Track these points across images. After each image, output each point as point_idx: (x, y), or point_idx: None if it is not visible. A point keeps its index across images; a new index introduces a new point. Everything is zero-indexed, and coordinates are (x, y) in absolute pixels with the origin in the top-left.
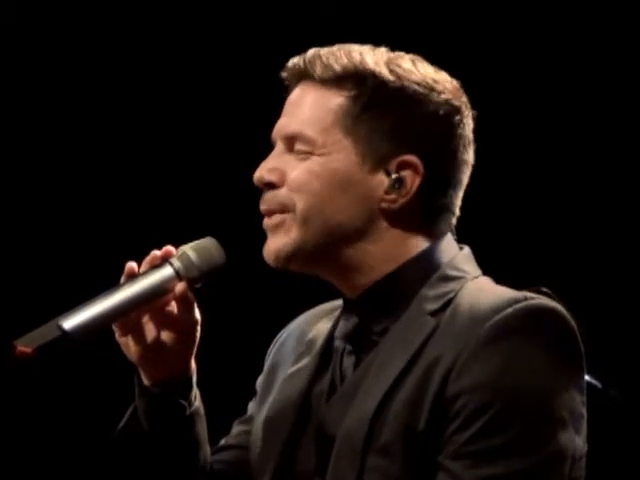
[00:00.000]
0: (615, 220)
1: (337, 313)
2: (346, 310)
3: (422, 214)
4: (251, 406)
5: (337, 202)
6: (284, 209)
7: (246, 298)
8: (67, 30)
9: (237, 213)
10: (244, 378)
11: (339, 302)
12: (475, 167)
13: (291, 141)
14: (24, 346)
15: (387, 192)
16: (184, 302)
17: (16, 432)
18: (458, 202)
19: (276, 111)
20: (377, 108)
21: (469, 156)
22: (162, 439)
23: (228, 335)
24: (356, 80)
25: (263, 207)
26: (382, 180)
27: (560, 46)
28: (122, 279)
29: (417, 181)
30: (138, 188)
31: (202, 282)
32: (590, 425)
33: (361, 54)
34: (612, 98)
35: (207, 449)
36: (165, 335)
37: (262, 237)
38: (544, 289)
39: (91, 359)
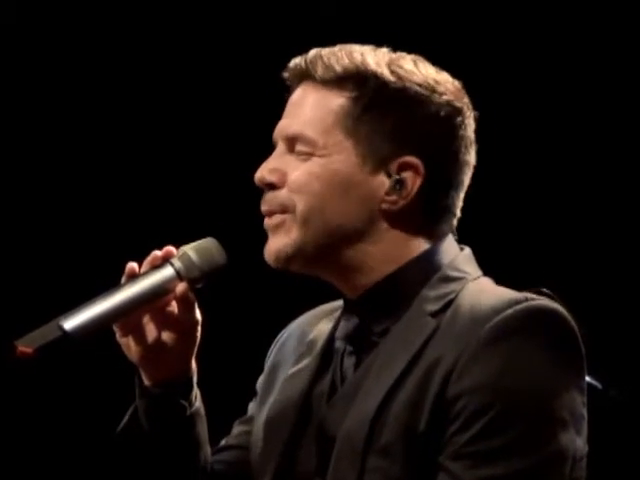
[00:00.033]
0: (615, 221)
1: (338, 314)
2: (347, 311)
3: (423, 215)
4: (251, 406)
5: (337, 203)
6: (284, 210)
7: (247, 298)
8: (67, 30)
9: (238, 213)
10: (244, 378)
11: (339, 303)
12: (476, 168)
13: (292, 142)
14: (25, 346)
15: (388, 193)
16: (185, 302)
17: (16, 432)
18: (459, 203)
19: (277, 111)
20: (378, 109)
21: (471, 157)
22: (162, 439)
23: (229, 335)
24: (357, 81)
25: (264, 208)
26: (383, 181)
27: (561, 47)
28: (123, 279)
29: (418, 182)
30: (139, 188)
31: (203, 282)
32: (590, 426)
33: (362, 55)
34: (613, 99)
35: (207, 449)
36: (166, 335)
37: (263, 237)
38: (545, 290)
39: (91, 359)
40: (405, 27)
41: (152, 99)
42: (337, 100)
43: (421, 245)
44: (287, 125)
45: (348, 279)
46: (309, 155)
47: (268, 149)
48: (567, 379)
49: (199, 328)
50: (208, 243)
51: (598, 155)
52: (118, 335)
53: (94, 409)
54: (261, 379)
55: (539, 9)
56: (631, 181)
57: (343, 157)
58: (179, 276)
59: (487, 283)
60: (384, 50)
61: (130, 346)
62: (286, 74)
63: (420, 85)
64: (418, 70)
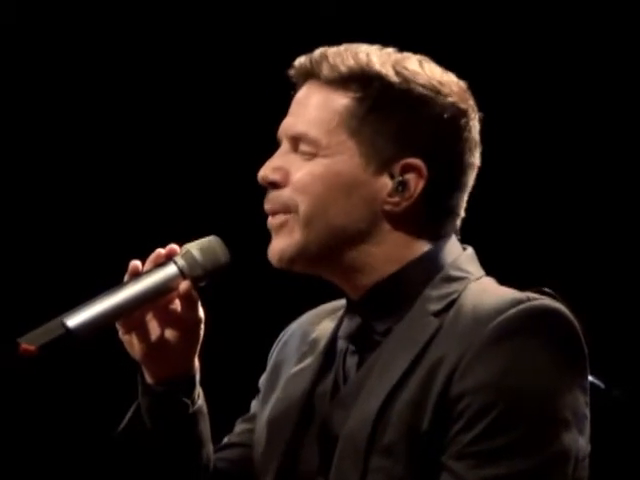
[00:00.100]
0: (617, 221)
1: (340, 313)
2: (349, 310)
3: (426, 216)
4: (254, 404)
5: (340, 204)
6: (287, 209)
7: (249, 297)
8: (67, 30)
9: (241, 212)
10: (247, 376)
11: (342, 302)
12: (479, 168)
13: (296, 141)
14: (28, 344)
15: (390, 195)
16: (188, 300)
17: (18, 430)
18: (463, 204)
19: (278, 110)
20: (382, 110)
21: (475, 159)
22: (165, 437)
23: (231, 334)
24: (362, 82)
25: (267, 206)
26: (386, 183)
27: (564, 49)
28: (126, 277)
29: (421, 184)
30: (143, 186)
31: (206, 281)
32: (593, 425)
33: (368, 55)
34: (615, 101)
35: (210, 447)
36: (169, 333)
37: (266, 236)
38: (547, 290)
39: (94, 357)
40: (405, 27)
41: (154, 98)
42: (341, 100)
43: (424, 245)
44: (291, 124)
45: (351, 279)
46: (313, 155)
47: (271, 148)
48: (570, 379)
49: (202, 326)
50: (211, 241)
51: (600, 155)
52: (121, 333)
53: (96, 407)
54: (264, 377)
55: (543, 9)
56: (632, 181)
57: (346, 158)
58: (182, 274)
59: (489, 283)
60: (390, 50)
61: (133, 344)
62: (292, 72)
63: (425, 86)
64: (423, 71)
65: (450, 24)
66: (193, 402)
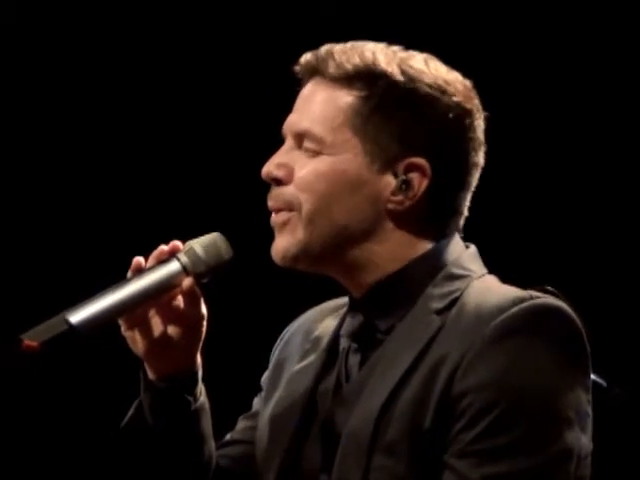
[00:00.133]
0: (618, 220)
1: (343, 311)
2: (352, 308)
3: (429, 215)
4: (256, 402)
5: (344, 203)
6: (290, 207)
7: (252, 294)
8: (67, 30)
9: (244, 208)
10: (249, 374)
11: (345, 299)
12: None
13: (300, 138)
14: (30, 340)
15: (394, 193)
16: (191, 297)
17: (21, 426)
18: (466, 203)
19: (280, 108)
20: (387, 109)
21: (479, 158)
22: (167, 434)
23: (234, 331)
24: (367, 80)
25: (270, 203)
26: (389, 181)
27: (566, 49)
28: (129, 274)
29: (424, 184)
30: (146, 183)
31: (209, 277)
32: (595, 423)
33: (374, 53)
34: (617, 100)
35: (212, 444)
36: (171, 329)
37: (269, 233)
38: (549, 288)
39: (97, 353)
40: (405, 27)
41: (156, 97)
42: (346, 98)
43: (427, 244)
44: (296, 121)
45: (354, 277)
46: (317, 152)
47: (273, 145)
48: (572, 377)
49: (205, 323)
50: (214, 238)
51: (601, 155)
52: (123, 329)
53: (99, 403)
54: (266, 375)
55: (548, 7)
56: (633, 181)
57: (351, 156)
58: (185, 271)
59: (492, 281)
60: (396, 48)
61: (136, 340)
62: (297, 68)
63: (430, 86)
64: (429, 70)
65: (451, 23)
66: (195, 399)
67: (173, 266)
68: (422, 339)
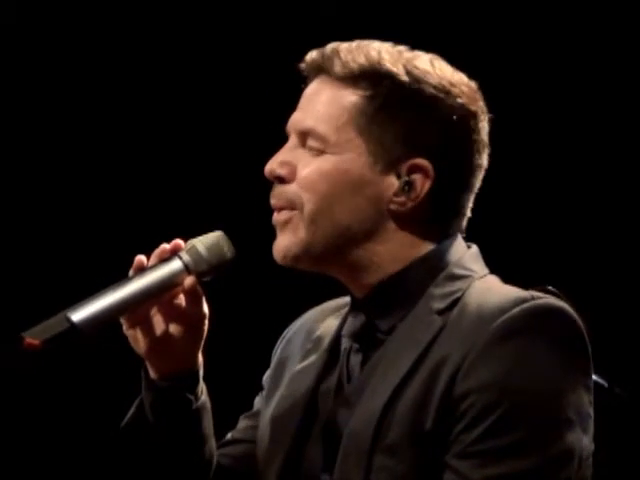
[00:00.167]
0: (619, 221)
1: (345, 310)
2: (354, 308)
3: (431, 217)
4: (257, 401)
5: (346, 203)
6: (293, 206)
7: (254, 293)
8: (67, 30)
9: (247, 207)
10: (250, 373)
11: (347, 299)
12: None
13: (304, 136)
14: (32, 338)
15: (396, 194)
16: (193, 296)
17: (22, 424)
18: (469, 205)
19: (281, 107)
20: (391, 109)
21: (482, 160)
22: (168, 433)
23: (235, 330)
24: (372, 80)
25: (272, 201)
26: (392, 182)
27: (568, 52)
28: (131, 272)
29: (427, 185)
30: (148, 181)
31: (211, 276)
32: (596, 423)
33: (379, 53)
34: (619, 102)
35: (213, 443)
36: (173, 328)
37: (271, 232)
38: (551, 288)
39: (98, 352)
40: (405, 27)
41: (157, 96)
42: (351, 98)
43: (429, 245)
44: (300, 119)
45: (355, 277)
46: (320, 151)
47: (275, 144)
48: (574, 378)
49: (206, 322)
50: (217, 237)
51: (603, 155)
52: (125, 327)
53: (100, 402)
54: (267, 374)
55: (552, 10)
56: (634, 182)
57: (354, 156)
58: (187, 269)
59: (494, 281)
60: (402, 48)
61: (137, 338)
62: (303, 66)
63: (435, 87)
64: (434, 71)
65: (452, 23)
66: (197, 398)
67: (175, 265)
68: (423, 339)
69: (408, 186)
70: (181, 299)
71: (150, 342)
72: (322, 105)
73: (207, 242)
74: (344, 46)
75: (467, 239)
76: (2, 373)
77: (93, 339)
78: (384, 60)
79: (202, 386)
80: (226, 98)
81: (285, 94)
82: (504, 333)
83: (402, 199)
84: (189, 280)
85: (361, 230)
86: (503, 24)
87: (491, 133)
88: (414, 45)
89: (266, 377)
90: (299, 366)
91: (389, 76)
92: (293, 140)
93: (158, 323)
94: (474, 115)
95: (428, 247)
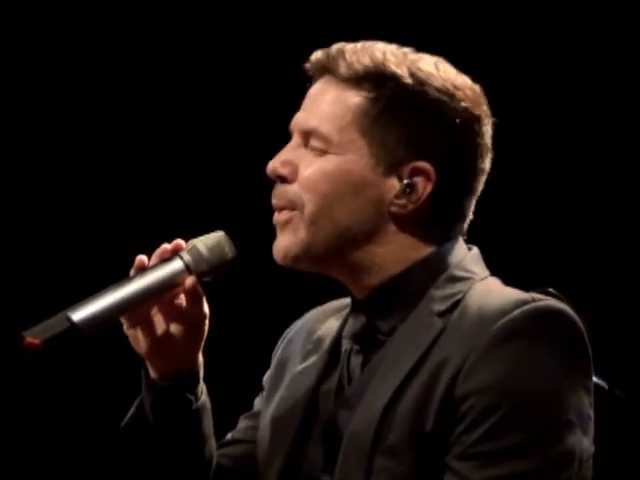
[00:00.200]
0: (619, 222)
1: (345, 312)
2: (354, 309)
3: (433, 219)
4: (257, 401)
5: (347, 205)
6: (293, 206)
7: (254, 293)
8: (67, 30)
9: (248, 207)
10: (251, 373)
11: (347, 300)
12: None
13: (307, 136)
14: (32, 337)
15: (397, 197)
16: (193, 296)
17: (21, 424)
18: (471, 208)
19: (281, 106)
20: (395, 112)
21: (485, 164)
22: (168, 433)
23: (236, 330)
24: (376, 82)
25: (274, 201)
26: (394, 184)
27: (569, 55)
28: (132, 272)
29: (428, 188)
30: (149, 181)
31: (212, 276)
32: (596, 425)
33: (384, 54)
34: (619, 104)
35: (213, 444)
36: (174, 328)
37: (272, 232)
38: (551, 290)
39: (98, 351)
40: (406, 27)
41: (158, 97)
42: (355, 99)
43: (430, 247)
44: (304, 119)
45: (356, 279)
46: (323, 152)
47: (275, 144)
48: (574, 380)
49: (207, 322)
50: (218, 237)
51: (604, 157)
52: (126, 327)
53: (100, 401)
54: (268, 374)
55: (554, 13)
56: (634, 183)
57: (357, 157)
58: (188, 269)
59: (494, 283)
60: (407, 50)
61: (138, 338)
62: (308, 65)
63: (439, 90)
64: (438, 73)
65: (453, 24)
66: (197, 398)
67: (176, 265)
68: (424, 341)
69: (409, 189)
70: (182, 299)
71: (150, 342)
72: (326, 105)
73: (208, 242)
74: (349, 47)
75: (468, 241)
76: (2, 372)
77: (93, 339)
78: (388, 62)
79: (202, 386)
80: (227, 98)
81: (285, 94)
82: (505, 335)
83: (403, 201)
84: (190, 280)
85: (361, 231)
86: (507, 27)
87: (493, 136)
88: (414, 45)
89: (266, 377)
90: (300, 367)
91: (393, 78)
92: (296, 139)
93: (159, 323)
94: (477, 119)
95: (429, 249)
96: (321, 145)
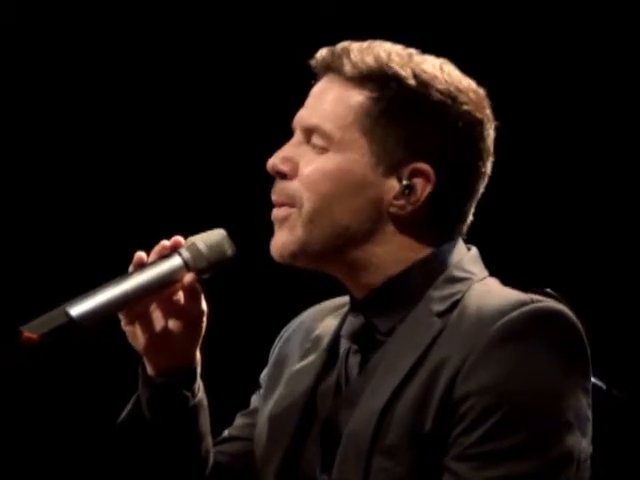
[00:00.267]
0: (618, 222)
1: (344, 310)
2: (353, 309)
3: (432, 221)
4: (254, 399)
5: (346, 203)
6: (292, 203)
7: (253, 291)
8: (67, 30)
9: (247, 205)
10: (248, 371)
11: (346, 299)
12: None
13: (309, 133)
14: (30, 332)
15: (396, 197)
16: (191, 293)
17: (17, 419)
18: (471, 210)
19: (281, 106)
20: (396, 113)
21: (486, 168)
22: (164, 429)
23: (233, 328)
24: (380, 82)
25: (273, 197)
26: (393, 185)
27: (569, 56)
28: (130, 268)
29: (428, 190)
30: (149, 178)
31: (210, 273)
32: (594, 425)
33: (389, 55)
34: (619, 103)
35: (209, 441)
36: (172, 324)
37: (271, 230)
38: (550, 290)
39: (96, 347)
40: (406, 27)
41: (157, 95)
42: (358, 98)
43: (428, 248)
44: (306, 116)
45: (354, 278)
46: (324, 149)
47: (275, 142)
48: (573, 381)
49: (205, 319)
50: (217, 234)
51: (603, 158)
52: (123, 323)
53: (96, 398)
54: (265, 372)
55: (557, 16)
56: (634, 184)
57: (357, 156)
58: (187, 266)
59: (493, 284)
60: (412, 51)
61: (136, 334)
62: (313, 63)
63: (442, 92)
64: (442, 76)
65: (453, 24)
66: (193, 395)
67: (175, 261)
68: (423, 342)
69: (408, 190)
70: (180, 296)
71: (148, 338)
72: (329, 104)
73: (207, 239)
74: (355, 46)
75: (467, 241)
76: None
77: (91, 334)
78: (393, 62)
79: (199, 383)
80: (227, 96)
81: (285, 93)
82: (504, 336)
83: (402, 202)
84: (188, 277)
85: (360, 231)
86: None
87: (496, 137)
88: (414, 46)
89: (264, 375)
90: (298, 365)
91: (396, 79)
92: (298, 136)
93: (157, 319)
94: (480, 122)
95: (428, 250)
96: (322, 143)
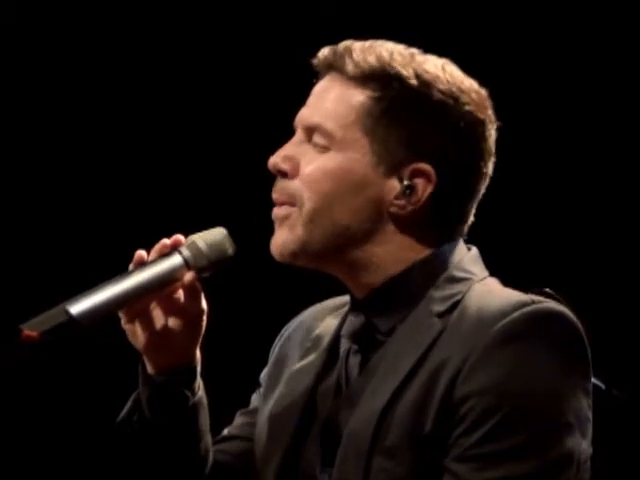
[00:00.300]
0: (618, 223)
1: (344, 310)
2: (354, 308)
3: (432, 221)
4: (254, 398)
5: (347, 203)
6: (293, 202)
7: (253, 290)
8: (67, 30)
9: (248, 203)
10: (248, 369)
11: (346, 298)
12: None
13: (310, 132)
14: (30, 330)
15: (397, 197)
16: (192, 291)
17: (17, 417)
18: (471, 211)
19: (281, 106)
20: (398, 113)
21: (487, 168)
22: (164, 428)
23: (234, 326)
24: (382, 81)
25: (274, 196)
26: (394, 185)
27: (572, 59)
28: (131, 266)
29: (428, 190)
30: (149, 177)
31: (211, 272)
32: (594, 426)
33: (391, 55)
34: (619, 103)
35: (209, 440)
36: (172, 323)
37: (271, 229)
38: (550, 291)
39: (95, 346)
40: (406, 27)
41: (157, 95)
42: (359, 97)
43: (429, 248)
44: (308, 115)
45: (354, 277)
46: (326, 148)
47: (275, 141)
48: (573, 382)
49: (204, 317)
50: (217, 233)
51: (603, 158)
52: (124, 321)
53: (96, 396)
54: (265, 371)
55: (559, 17)
56: (634, 184)
57: (359, 156)
58: (187, 265)
59: (494, 284)
60: (414, 51)
61: (136, 333)
62: (315, 61)
63: (443, 93)
64: (444, 76)
65: (454, 24)
66: (193, 393)
67: (175, 260)
68: (423, 342)
69: (409, 190)
70: (180, 294)
71: (148, 336)
72: (331, 103)
73: (208, 238)
74: (357, 45)
75: (468, 241)
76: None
77: (91, 332)
78: (395, 62)
79: (199, 382)
80: (228, 95)
81: (285, 92)
82: (504, 337)
83: (402, 202)
84: (188, 276)
85: (360, 231)
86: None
87: (498, 138)
88: (415, 46)
89: (264, 374)
90: (298, 365)
91: (398, 79)
92: (299, 135)
93: (157, 317)
94: (481, 123)
95: (429, 250)
96: (324, 142)
